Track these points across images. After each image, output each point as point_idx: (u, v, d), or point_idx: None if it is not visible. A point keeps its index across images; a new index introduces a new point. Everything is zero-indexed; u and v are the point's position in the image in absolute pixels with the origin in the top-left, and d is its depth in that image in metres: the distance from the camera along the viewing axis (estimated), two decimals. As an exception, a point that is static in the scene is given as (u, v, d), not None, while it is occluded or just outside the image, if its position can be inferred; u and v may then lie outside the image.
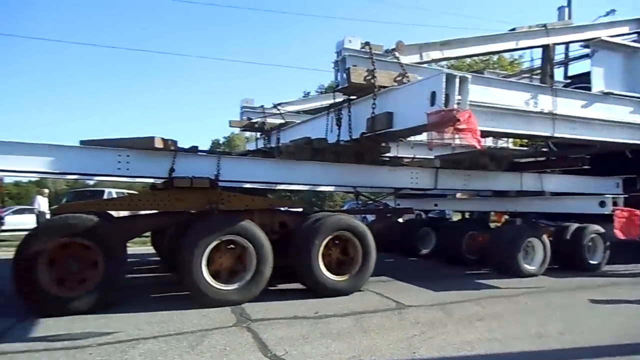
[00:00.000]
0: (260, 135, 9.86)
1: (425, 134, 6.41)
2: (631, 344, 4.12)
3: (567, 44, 9.63)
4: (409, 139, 7.34)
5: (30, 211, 19.63)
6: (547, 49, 7.62)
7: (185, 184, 5.54)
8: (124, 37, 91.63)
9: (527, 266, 7.44)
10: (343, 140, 6.68)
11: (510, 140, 10.60)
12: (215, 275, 5.36)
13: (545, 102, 7.05)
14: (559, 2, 18.42)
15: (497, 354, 3.81)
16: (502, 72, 14.01)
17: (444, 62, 8.50)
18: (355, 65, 6.06)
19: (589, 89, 7.75)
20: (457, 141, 5.24)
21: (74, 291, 4.89)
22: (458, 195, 9.69)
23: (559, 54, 11.68)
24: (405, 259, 9.68)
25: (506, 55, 27.33)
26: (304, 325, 4.52)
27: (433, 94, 5.26)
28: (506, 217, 12.09)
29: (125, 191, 25.35)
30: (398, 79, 6.18)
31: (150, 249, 9.55)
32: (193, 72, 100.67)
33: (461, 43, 7.11)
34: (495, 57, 30.12)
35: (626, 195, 7.70)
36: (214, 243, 5.32)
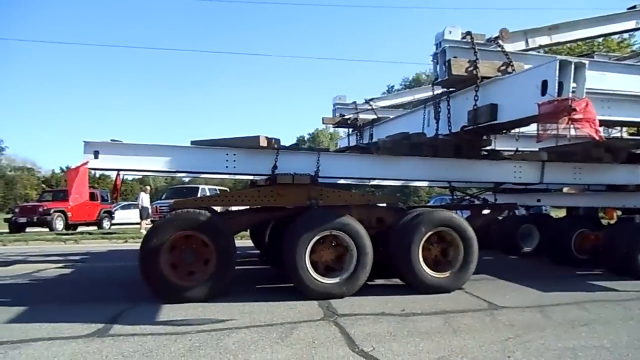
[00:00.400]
0: (352, 131, 9.93)
1: (533, 125, 6.08)
2: None
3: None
4: (513, 130, 6.94)
5: (135, 206, 21.60)
6: (675, 27, 6.80)
7: (287, 180, 5.74)
8: (203, 40, 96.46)
9: (650, 268, 6.73)
10: (442, 134, 6.52)
11: (624, 129, 9.66)
12: (317, 269, 5.50)
13: (672, 86, 6.32)
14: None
15: None
16: (613, 55, 12.74)
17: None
18: (455, 57, 5.87)
19: None
20: (572, 132, 4.86)
21: (190, 281, 5.29)
22: (565, 189, 9.00)
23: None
24: (505, 257, 9.23)
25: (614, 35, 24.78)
26: (391, 322, 4.47)
27: (544, 83, 4.93)
28: (618, 213, 11.04)
29: (218, 188, 26.94)
30: (502, 68, 5.89)
31: (246, 243, 10.10)
32: (278, 71, 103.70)
33: (571, 26, 6.61)
34: (600, 39, 27.48)
35: None
36: (317, 237, 5.46)
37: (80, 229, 21.69)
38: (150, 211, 19.93)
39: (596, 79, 5.82)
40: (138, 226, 18.14)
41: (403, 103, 10.46)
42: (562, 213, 11.97)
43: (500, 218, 9.68)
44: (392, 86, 56.57)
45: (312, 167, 5.96)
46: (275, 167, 5.82)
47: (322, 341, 3.88)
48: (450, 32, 6.01)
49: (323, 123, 9.80)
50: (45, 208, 20.96)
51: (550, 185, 8.49)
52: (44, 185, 49.91)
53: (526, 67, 5.91)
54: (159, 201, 23.78)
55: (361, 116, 9.55)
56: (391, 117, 8.75)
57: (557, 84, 4.81)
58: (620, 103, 6.16)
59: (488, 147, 6.92)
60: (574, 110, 4.70)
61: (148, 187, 21.69)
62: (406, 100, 10.48)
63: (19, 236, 16.25)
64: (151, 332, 4.12)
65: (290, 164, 5.91)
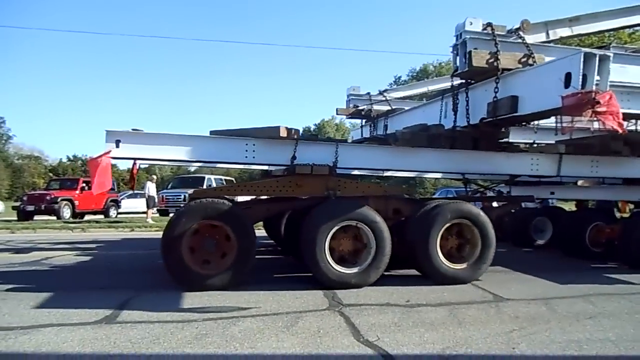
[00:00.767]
0: (366, 122, 9.92)
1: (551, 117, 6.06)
2: None
3: None
4: (532, 123, 6.93)
5: (142, 195, 21.77)
6: (696, 19, 6.73)
7: (306, 170, 5.76)
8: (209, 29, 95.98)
9: (666, 262, 6.75)
10: (460, 126, 6.51)
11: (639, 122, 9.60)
12: (336, 259, 5.54)
13: (694, 79, 6.27)
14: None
15: (609, 356, 3.47)
16: (630, 46, 12.61)
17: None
18: (476, 48, 5.86)
19: None
20: (596, 125, 4.85)
21: (211, 269, 5.35)
22: (580, 182, 8.98)
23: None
24: (518, 250, 9.25)
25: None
26: (396, 313, 4.49)
27: (568, 75, 4.92)
28: (630, 207, 11.00)
29: (223, 178, 27.03)
30: (523, 60, 5.88)
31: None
32: (282, 62, 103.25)
33: (593, 18, 6.56)
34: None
35: None
36: (337, 227, 5.50)
37: (87, 217, 21.87)
38: (156, 200, 20.07)
39: (617, 72, 5.76)
40: (144, 215, 18.26)
41: (416, 94, 10.43)
42: (570, 206, 11.93)
43: (513, 211, 9.70)
44: (399, 77, 56.40)
45: (330, 158, 5.97)
46: (294, 157, 5.85)
47: (327, 330, 3.92)
48: (472, 23, 5.99)
49: (337, 114, 9.80)
50: (52, 196, 21.17)
51: (564, 178, 8.49)
52: (51, 174, 50.21)
53: (547, 59, 5.89)
54: (165, 190, 23.97)
55: (375, 107, 9.54)
56: (406, 108, 8.74)
57: (581, 77, 4.80)
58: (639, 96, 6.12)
59: (505, 140, 6.91)
60: (598, 103, 4.70)
61: (154, 177, 21.82)
62: (420, 92, 10.46)
63: (27, 224, 16.44)
64: (158, 320, 4.18)
65: (309, 154, 5.93)
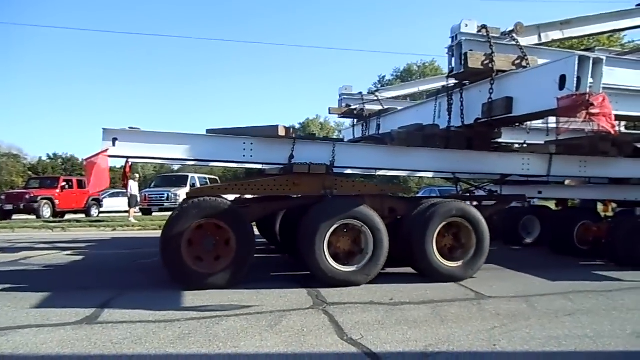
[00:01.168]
0: (357, 121, 9.98)
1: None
2: None
3: None
4: (525, 124, 7.07)
5: (124, 194, 21.53)
6: (681, 24, 6.96)
7: (304, 169, 5.80)
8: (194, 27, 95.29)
9: (652, 259, 6.96)
10: (454, 126, 6.61)
11: (623, 123, 9.87)
12: (335, 257, 5.58)
13: (679, 82, 6.49)
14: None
15: (587, 352, 3.54)
16: (613, 49, 12.92)
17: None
18: (471, 50, 5.96)
19: None
20: (590, 127, 4.98)
21: (211, 268, 5.34)
22: (567, 182, 9.20)
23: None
24: (507, 248, 9.42)
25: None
26: (380, 311, 4.52)
27: (563, 78, 5.06)
28: (613, 206, 11.29)
29: (207, 177, 26.85)
30: (517, 62, 6.00)
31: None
32: (267, 61, 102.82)
33: (583, 21, 6.73)
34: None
35: None
36: (335, 226, 5.54)
37: (68, 217, 21.52)
38: (139, 199, 19.86)
39: (606, 74, 5.95)
40: (127, 214, 18.05)
41: (408, 94, 10.54)
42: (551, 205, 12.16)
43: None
44: (384, 76, 56.56)
45: (327, 157, 6.02)
46: (292, 156, 5.88)
47: (311, 329, 3.93)
48: (467, 25, 6.09)
49: (330, 113, 9.84)
50: (32, 195, 20.82)
51: (551, 178, 8.68)
52: (30, 173, 49.10)
53: (540, 61, 6.03)
54: (148, 189, 23.71)
55: (367, 107, 9.60)
56: (399, 108, 8.83)
57: (575, 79, 4.92)
58: (629, 98, 6.31)
59: (498, 140, 7.04)
60: (592, 105, 4.83)
61: (137, 175, 21.58)
62: (411, 92, 10.57)
63: (5, 223, 16.05)
64: (140, 320, 4.13)
65: (306, 153, 5.97)
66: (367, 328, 3.98)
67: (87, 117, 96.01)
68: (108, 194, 28.55)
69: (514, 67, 5.97)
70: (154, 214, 21.69)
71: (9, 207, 20.44)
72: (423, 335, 3.80)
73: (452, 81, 6.68)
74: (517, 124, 6.59)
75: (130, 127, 5.63)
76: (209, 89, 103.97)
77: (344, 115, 9.93)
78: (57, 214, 21.51)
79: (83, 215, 22.51)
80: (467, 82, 6.45)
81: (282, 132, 5.80)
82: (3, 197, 21.81)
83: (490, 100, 5.92)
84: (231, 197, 6.43)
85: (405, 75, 54.10)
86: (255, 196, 6.62)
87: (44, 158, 59.08)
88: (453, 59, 6.21)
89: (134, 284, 5.67)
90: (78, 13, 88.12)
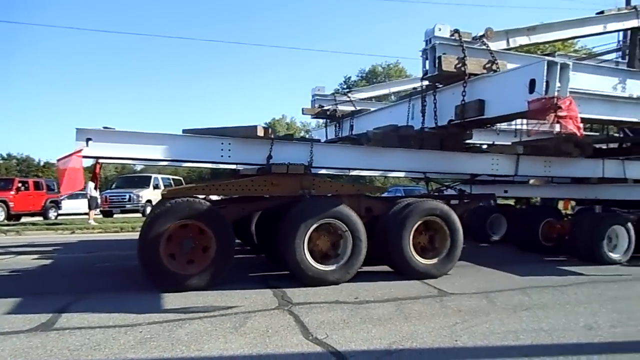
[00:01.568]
0: (330, 122, 10.06)
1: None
2: None
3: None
4: (496, 125, 7.34)
5: (84, 196, 20.79)
6: (636, 32, 7.40)
7: (282, 170, 5.82)
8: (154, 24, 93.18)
9: (611, 254, 7.38)
10: (428, 127, 6.78)
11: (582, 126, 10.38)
12: (315, 256, 5.64)
13: (634, 87, 6.90)
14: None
15: (543, 344, 3.68)
16: (573, 55, 13.57)
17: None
18: (444, 54, 6.14)
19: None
20: (557, 128, 5.23)
21: (190, 269, 5.29)
22: (531, 181, 9.60)
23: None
24: (476, 245, 9.72)
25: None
26: (345, 310, 4.56)
27: (532, 82, 5.28)
28: (572, 204, 11.87)
29: (171, 177, 26.31)
30: (487, 66, 6.22)
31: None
32: (230, 60, 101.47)
33: (547, 28, 7.05)
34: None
35: None
36: (315, 225, 5.60)
37: (23, 219, 20.63)
38: (99, 201, 19.23)
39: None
40: (86, 216, 17.44)
41: (379, 95, 10.72)
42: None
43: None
44: (349, 77, 56.95)
45: (305, 157, 6.06)
46: (270, 156, 5.88)
47: (276, 330, 3.92)
48: (440, 29, 6.27)
49: (303, 113, 9.87)
50: (-17, 198, 19.82)
51: (518, 177, 9.05)
52: (-19, 174, 46.69)
53: (509, 65, 6.28)
54: (108, 190, 22.95)
55: (340, 107, 9.70)
56: (372, 109, 8.96)
57: (544, 83, 5.16)
58: (590, 102, 6.64)
59: (468, 141, 7.28)
60: (560, 108, 5.08)
61: (97, 176, 20.80)
62: (382, 93, 10.76)
63: (-46, 227, 15.20)
64: (99, 325, 4.02)
65: (284, 154, 5.99)
66: (332, 327, 4.01)
67: (47, 117, 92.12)
68: (67, 195, 27.47)
69: (484, 71, 6.19)
70: (115, 215, 21.04)
71: (-41, 210, 19.38)
72: (387, 333, 3.87)
73: (426, 83, 6.85)
74: (488, 126, 6.83)
75: (104, 127, 5.49)
76: (170, 93, 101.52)
77: (317, 115, 9.99)
78: (12, 217, 20.55)
79: (41, 218, 21.59)
80: (440, 84, 6.62)
81: (260, 133, 5.79)
82: (-48, 200, 20.65)
83: (463, 102, 6.10)
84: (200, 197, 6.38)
85: (371, 76, 54.64)
86: (232, 197, 6.59)
87: (-4, 159, 56.35)
88: (427, 62, 6.38)
89: (94, 288, 5.51)
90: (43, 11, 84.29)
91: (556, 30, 7.10)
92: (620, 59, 10.48)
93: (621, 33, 10.45)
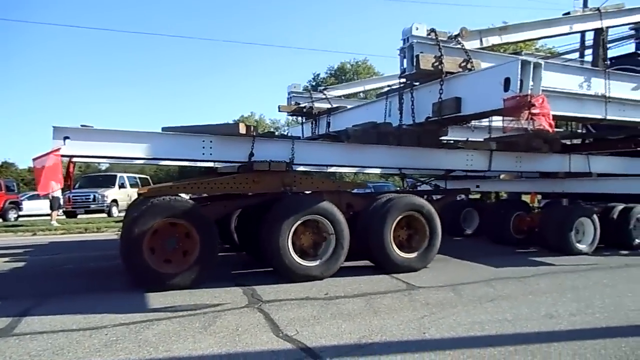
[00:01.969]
0: (306, 119, 10.10)
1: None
2: None
3: (619, 26, 9.69)
4: (471, 122, 7.57)
5: (45, 196, 20.08)
6: (600, 33, 7.77)
7: (264, 167, 5.84)
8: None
9: (578, 245, 7.74)
10: (405, 124, 6.93)
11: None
12: (298, 252, 5.69)
13: (598, 85, 7.25)
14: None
15: (507, 334, 3.80)
16: (538, 54, 14.07)
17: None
18: (422, 52, 6.28)
19: (631, 70, 7.93)
20: (531, 125, 5.45)
21: (174, 268, 5.24)
22: (502, 176, 9.94)
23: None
24: (450, 239, 9.97)
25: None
26: (315, 306, 4.57)
27: (507, 80, 5.49)
28: (538, 197, 12.34)
29: (137, 176, 25.78)
30: (463, 64, 6.41)
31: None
32: (200, 57, 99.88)
33: (518, 28, 7.31)
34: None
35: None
36: (299, 222, 5.65)
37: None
38: (62, 201, 18.64)
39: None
40: (48, 217, 16.88)
41: (354, 93, 10.86)
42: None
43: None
44: (318, 74, 56.99)
45: (286, 155, 6.09)
46: (252, 154, 5.89)
47: (246, 328, 3.90)
48: (417, 28, 6.42)
49: (279, 111, 9.87)
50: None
51: (488, 172, 9.34)
52: None
53: (483, 64, 6.49)
54: (71, 190, 22.23)
55: (316, 105, 9.76)
56: (349, 106, 9.06)
57: (519, 82, 5.37)
58: (557, 99, 6.93)
59: (444, 137, 7.48)
60: (533, 105, 5.30)
61: (60, 177, 20.10)
62: (357, 90, 10.90)
63: None
64: (62, 329, 3.90)
65: (266, 151, 6.00)
66: (303, 324, 4.02)
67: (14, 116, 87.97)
68: (27, 196, 26.46)
69: (460, 69, 6.37)
70: (79, 216, 20.44)
71: None
72: (357, 328, 3.91)
73: (402, 80, 6.99)
74: (464, 123, 7.03)
75: (82, 125, 5.38)
76: (137, 93, 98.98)
77: (293, 113, 10.02)
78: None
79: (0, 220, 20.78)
80: (418, 82, 6.78)
81: (243, 130, 5.80)
82: None
83: (440, 100, 6.28)
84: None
85: (339, 74, 54.80)
86: (212, 195, 6.57)
87: (-50, 158, 53.57)
88: (405, 60, 6.51)
89: (56, 291, 5.33)
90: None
91: (526, 30, 7.38)
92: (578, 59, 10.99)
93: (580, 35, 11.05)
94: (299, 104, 9.75)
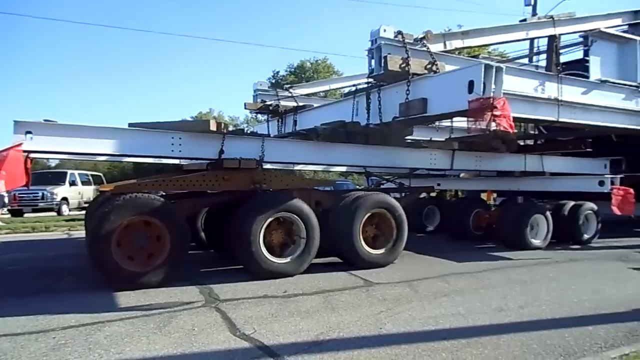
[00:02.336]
0: (272, 117, 10.11)
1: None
2: (585, 315, 4.34)
3: (570, 34, 10.24)
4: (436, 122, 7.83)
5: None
6: (553, 39, 8.22)
7: (234, 165, 5.85)
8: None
9: (533, 240, 8.18)
10: (373, 123, 7.09)
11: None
12: (269, 250, 5.73)
13: (551, 89, 7.66)
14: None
15: (459, 327, 3.92)
16: (494, 57, 14.65)
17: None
18: (389, 54, 6.45)
19: (580, 75, 8.45)
20: (493, 126, 5.72)
21: (144, 267, 5.16)
22: (462, 175, 10.32)
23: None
24: (413, 236, 10.23)
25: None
26: (273, 304, 4.56)
27: (471, 83, 5.72)
28: (494, 196, 12.92)
29: (89, 173, 24.91)
30: (428, 67, 6.61)
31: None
32: (156, 53, 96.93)
33: (479, 33, 7.62)
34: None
35: (622, 176, 8.51)
36: (270, 219, 5.69)
37: None
38: (7, 199, 17.65)
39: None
40: (-9, 217, 15.96)
41: (319, 91, 10.97)
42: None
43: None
44: (278, 72, 56.79)
45: (256, 152, 6.12)
46: (222, 151, 5.87)
47: (202, 327, 3.84)
48: (385, 30, 6.56)
49: (245, 108, 9.83)
50: None
51: (452, 171, 9.68)
52: None
53: (447, 67, 6.73)
54: (18, 188, 21.05)
55: (282, 103, 9.79)
56: (315, 105, 9.15)
57: (482, 84, 5.63)
58: (514, 102, 7.23)
59: (409, 137, 7.71)
60: (495, 107, 5.57)
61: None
62: (322, 89, 11.01)
63: None
64: (5, 333, 3.74)
65: (236, 148, 6.01)
66: (260, 322, 4.01)
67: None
68: (-10, 193, 24.92)
69: (425, 71, 6.58)
70: (25, 215, 19.44)
71: None
72: (315, 325, 3.94)
73: (369, 80, 7.14)
74: (429, 123, 7.27)
75: (45, 120, 5.19)
76: (86, 89, 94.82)
77: (259, 111, 10.01)
78: None
79: None
80: (385, 82, 6.94)
81: (213, 127, 5.77)
82: None
83: (407, 100, 6.46)
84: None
85: (299, 72, 54.84)
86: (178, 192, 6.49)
87: None
88: (373, 61, 6.65)
89: (1, 293, 5.12)
90: None
91: (487, 35, 7.70)
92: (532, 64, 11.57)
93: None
94: (265, 101, 9.75)
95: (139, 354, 3.29)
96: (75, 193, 21.13)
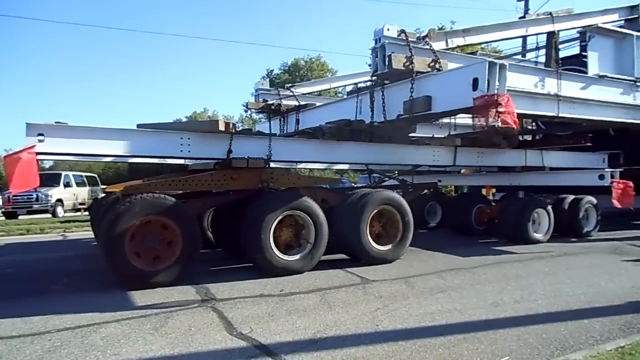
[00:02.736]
0: (273, 116, 10.17)
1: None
2: (580, 309, 4.36)
3: (569, 29, 10.33)
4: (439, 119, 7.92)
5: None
6: (552, 35, 8.33)
7: (242, 164, 5.92)
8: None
9: (535, 234, 8.30)
10: (377, 121, 7.17)
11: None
12: (279, 247, 5.80)
13: (551, 85, 7.77)
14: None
15: (456, 323, 3.94)
16: (491, 54, 14.79)
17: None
18: (393, 52, 6.53)
19: (578, 71, 8.56)
20: (498, 123, 5.81)
21: (156, 266, 5.23)
22: (462, 171, 10.43)
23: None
24: (415, 232, 10.34)
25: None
26: (270, 303, 4.55)
27: (475, 80, 5.82)
28: (493, 191, 13.06)
29: (84, 174, 24.83)
30: (431, 64, 6.71)
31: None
32: (147, 53, 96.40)
33: (480, 30, 7.71)
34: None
35: (621, 169, 8.63)
36: (280, 217, 5.76)
37: None
38: (1, 201, 17.59)
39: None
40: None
41: (320, 90, 11.04)
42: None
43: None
44: (272, 70, 56.71)
45: (263, 151, 6.19)
46: (230, 150, 5.94)
47: (199, 327, 3.83)
48: (389, 29, 6.64)
49: (247, 108, 9.93)
50: None
51: (450, 167, 9.79)
52: None
53: (450, 64, 6.82)
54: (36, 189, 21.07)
55: (284, 102, 9.85)
56: (318, 104, 9.22)
57: (487, 81, 5.72)
58: (515, 98, 7.37)
59: (412, 134, 7.80)
60: (500, 104, 5.66)
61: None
62: (324, 88, 11.09)
63: None
64: (0, 335, 3.72)
65: (243, 148, 6.08)
66: (257, 321, 4.00)
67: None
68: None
69: (429, 69, 6.67)
70: (20, 217, 19.37)
71: None
72: (312, 323, 3.93)
73: (372, 78, 7.22)
74: (433, 120, 7.36)
75: (56, 122, 5.24)
76: (83, 91, 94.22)
77: (261, 110, 10.07)
78: None
79: None
80: (388, 81, 7.02)
81: (222, 127, 5.83)
82: None
83: (411, 98, 6.55)
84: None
85: (293, 70, 54.77)
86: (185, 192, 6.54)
87: None
88: (377, 60, 6.73)
89: None
90: None
91: (487, 32, 7.79)
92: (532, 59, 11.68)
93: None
94: (267, 101, 9.81)
95: (136, 355, 3.29)
96: (70, 194, 21.09)
